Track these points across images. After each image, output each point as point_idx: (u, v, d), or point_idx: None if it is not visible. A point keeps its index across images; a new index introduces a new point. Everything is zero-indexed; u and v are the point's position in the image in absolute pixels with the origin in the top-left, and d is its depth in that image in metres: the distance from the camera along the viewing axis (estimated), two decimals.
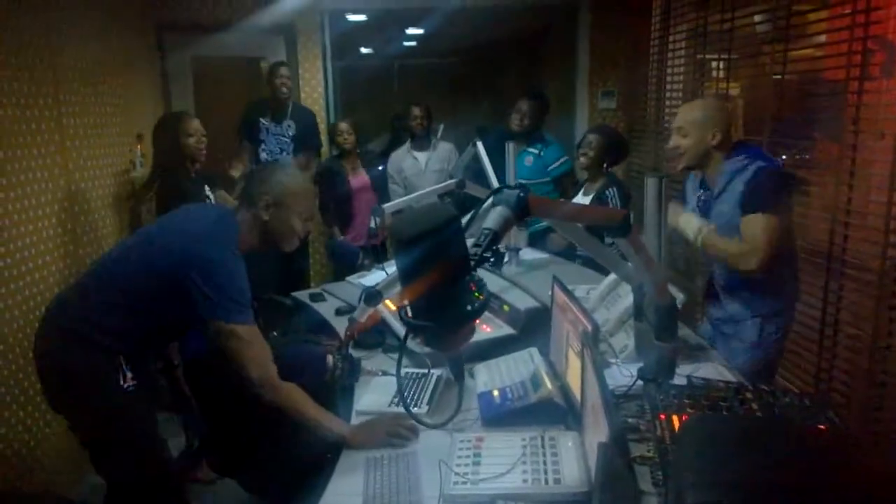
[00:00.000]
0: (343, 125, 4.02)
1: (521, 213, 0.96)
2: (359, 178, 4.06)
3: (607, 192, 2.92)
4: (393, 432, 1.56)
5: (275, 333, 2.49)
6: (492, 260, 0.94)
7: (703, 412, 1.23)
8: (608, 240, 1.74)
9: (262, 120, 4.06)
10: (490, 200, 1.01)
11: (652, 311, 1.34)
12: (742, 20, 3.13)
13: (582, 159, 3.04)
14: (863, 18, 2.33)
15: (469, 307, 0.92)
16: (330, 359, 1.90)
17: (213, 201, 2.90)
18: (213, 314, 1.62)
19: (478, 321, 2.05)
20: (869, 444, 2.03)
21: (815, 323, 2.54)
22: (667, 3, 3.88)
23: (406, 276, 0.93)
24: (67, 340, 1.70)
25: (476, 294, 0.93)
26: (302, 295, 2.81)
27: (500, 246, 0.98)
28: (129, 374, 1.72)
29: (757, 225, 1.90)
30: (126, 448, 1.74)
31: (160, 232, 1.82)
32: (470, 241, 0.94)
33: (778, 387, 2.44)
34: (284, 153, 4.09)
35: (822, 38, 2.78)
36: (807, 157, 2.96)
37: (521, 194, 0.96)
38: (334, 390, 1.87)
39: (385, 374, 1.93)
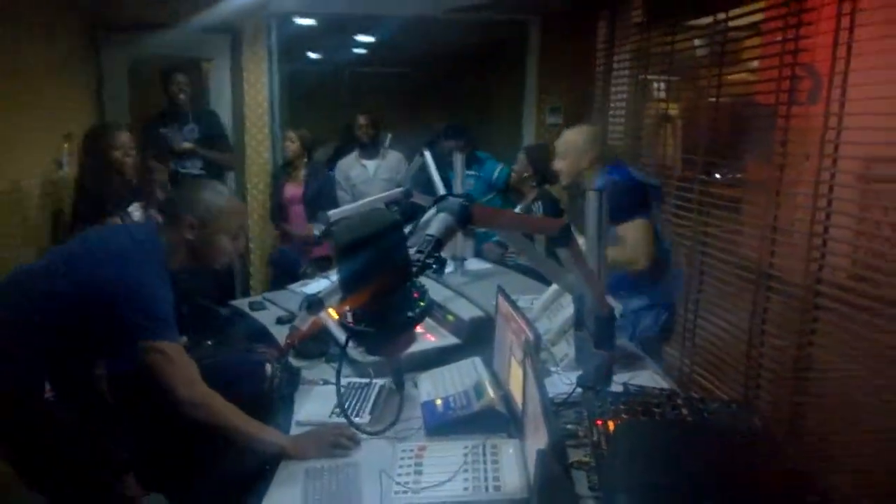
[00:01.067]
0: (290, 133, 3.96)
1: (464, 220, 0.97)
2: (294, 188, 3.99)
3: (533, 207, 3.08)
4: (334, 442, 1.53)
5: (209, 343, 2.41)
6: (434, 267, 0.94)
7: (637, 418, 1.27)
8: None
9: (162, 130, 3.91)
10: (434, 208, 1.02)
11: (591, 320, 1.38)
12: (682, 43, 3.27)
13: (512, 175, 3.24)
14: (792, 46, 2.48)
15: (410, 313, 0.92)
16: (268, 367, 1.86)
17: (134, 219, 2.80)
18: (139, 335, 1.57)
19: (422, 330, 2.09)
20: (791, 448, 2.15)
21: (744, 334, 2.66)
22: (612, 23, 4.01)
23: (347, 282, 0.92)
24: None
25: (418, 301, 0.93)
26: (241, 303, 2.73)
27: (442, 253, 0.99)
28: (52, 391, 1.64)
29: (630, 231, 2.18)
30: (58, 461, 1.65)
31: (78, 254, 1.72)
32: (413, 249, 0.94)
33: (708, 394, 2.57)
34: (190, 158, 3.95)
35: (755, 63, 2.94)
36: (739, 176, 3.11)
37: (465, 202, 0.97)
38: (273, 400, 1.82)
39: (326, 383, 1.90)
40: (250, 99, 4.49)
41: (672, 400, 1.38)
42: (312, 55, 7.51)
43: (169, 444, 1.92)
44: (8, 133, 2.89)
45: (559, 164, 2.37)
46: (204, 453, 1.81)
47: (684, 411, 1.33)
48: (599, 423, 1.26)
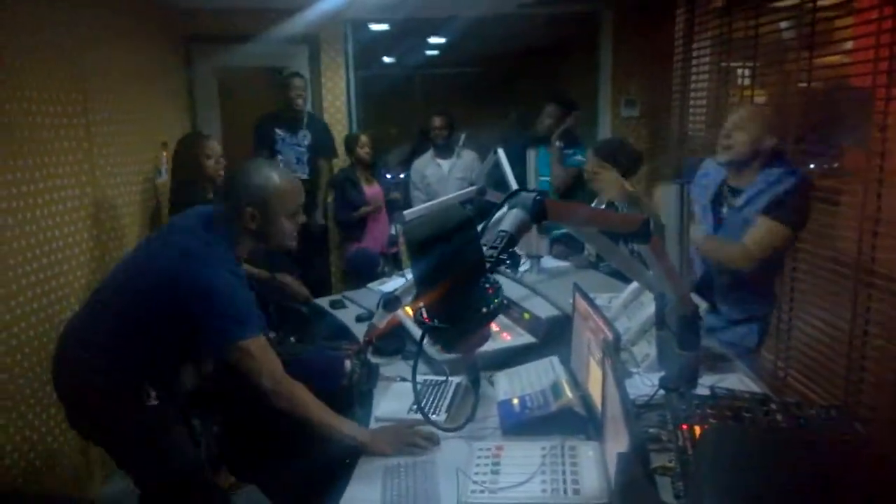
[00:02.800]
0: (364, 137, 4.07)
1: (537, 216, 0.96)
2: (373, 188, 4.11)
3: (617, 203, 2.92)
4: (411, 441, 1.55)
5: (292, 340, 2.51)
6: (508, 262, 0.93)
7: (726, 423, 1.21)
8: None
9: (277, 130, 4.10)
10: (506, 205, 1.01)
11: (674, 319, 1.33)
12: (767, 27, 3.09)
13: (584, 174, 3.09)
14: (890, 24, 2.29)
15: (484, 309, 0.92)
16: (348, 363, 1.90)
17: None
18: (220, 339, 1.62)
19: (498, 329, 2.08)
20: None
21: (843, 335, 2.49)
22: (690, 10, 3.85)
23: (420, 280, 0.93)
24: (84, 370, 1.72)
25: (493, 298, 0.93)
26: (322, 302, 2.83)
27: (516, 249, 0.98)
28: (154, 393, 1.74)
29: (770, 231, 1.95)
30: (154, 459, 1.75)
31: (151, 257, 1.77)
32: (487, 245, 0.94)
33: (804, 399, 2.41)
34: (300, 162, 4.14)
35: (849, 44, 2.74)
36: (834, 165, 2.90)
37: (538, 197, 0.96)
38: (352, 395, 1.87)
39: (403, 380, 1.93)
40: (329, 104, 4.65)
41: (764, 405, 1.30)
42: (387, 59, 7.66)
43: (261, 436, 2.01)
44: (108, 141, 3.10)
45: (737, 136, 2.04)
46: (292, 445, 1.89)
47: (778, 417, 1.25)
48: (685, 427, 1.21)
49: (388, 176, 4.31)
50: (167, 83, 4.09)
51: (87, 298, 1.93)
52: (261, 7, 4.26)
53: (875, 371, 2.39)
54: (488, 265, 0.91)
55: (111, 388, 1.71)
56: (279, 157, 4.10)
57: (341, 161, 4.43)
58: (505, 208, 1.00)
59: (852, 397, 2.44)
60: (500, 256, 0.91)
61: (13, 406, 2.31)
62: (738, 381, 1.62)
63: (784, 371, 2.86)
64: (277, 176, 1.71)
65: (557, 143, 3.62)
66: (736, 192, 2.10)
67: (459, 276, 0.88)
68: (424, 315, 0.93)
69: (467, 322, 0.92)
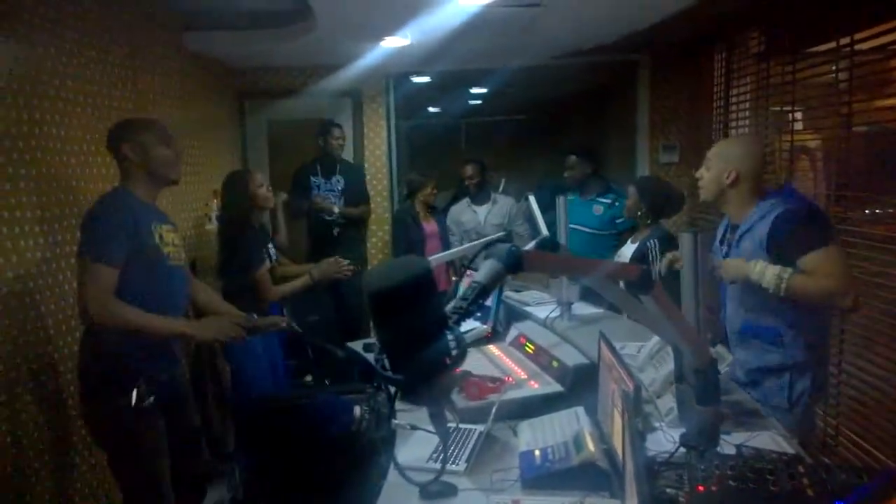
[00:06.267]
0: (430, 183, 4.25)
1: (512, 266, 0.94)
2: (431, 225, 4.25)
3: (648, 244, 2.90)
4: (228, 331, 1.95)
5: (327, 382, 2.54)
6: (478, 314, 0.93)
7: (746, 486, 1.15)
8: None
9: (312, 178, 4.30)
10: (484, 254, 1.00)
11: (691, 373, 1.29)
12: (811, 70, 3.04)
13: (624, 211, 3.17)
14: None
15: (440, 361, 0.90)
16: (357, 410, 1.92)
17: (273, 256, 3.04)
18: (78, 253, 1.93)
19: (526, 376, 2.05)
20: None
21: None
22: (729, 54, 3.84)
23: (377, 329, 0.93)
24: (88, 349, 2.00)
25: (453, 349, 0.91)
26: (356, 345, 2.86)
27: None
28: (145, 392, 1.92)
29: (826, 259, 1.84)
30: (128, 460, 1.96)
31: None
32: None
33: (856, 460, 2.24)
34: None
35: None
36: (890, 211, 2.78)
37: (513, 248, 0.95)
38: (359, 441, 1.87)
39: (414, 428, 1.90)
40: (369, 153, 4.82)
41: (792, 467, 1.23)
42: (431, 109, 7.89)
43: (287, 478, 2.03)
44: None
45: (703, 174, 2.07)
46: (319, 488, 1.90)
47: (805, 481, 1.18)
48: (701, 488, 1.16)
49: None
50: (222, 135, 4.34)
51: None
52: (308, 64, 4.54)
53: None
54: (456, 316, 0.90)
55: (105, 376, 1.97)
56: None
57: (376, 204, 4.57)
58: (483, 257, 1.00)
59: None
60: (470, 307, 0.91)
61: None
62: (771, 439, 1.54)
63: (835, 429, 2.69)
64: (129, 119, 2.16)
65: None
66: (734, 228, 2.07)
67: (413, 328, 0.88)
68: (385, 364, 0.92)
69: (422, 373, 0.90)
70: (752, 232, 1.97)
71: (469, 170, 4.17)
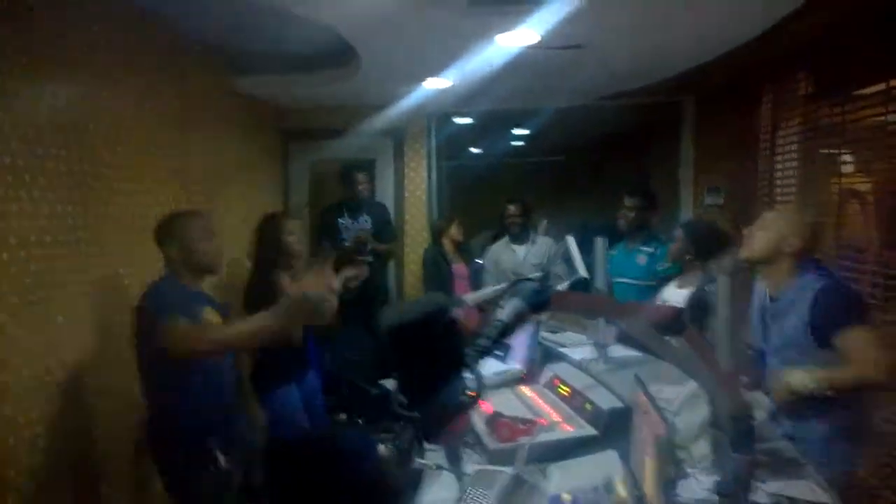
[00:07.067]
0: (454, 227, 4.28)
1: (537, 306, 0.93)
2: (460, 266, 4.27)
3: (706, 288, 2.75)
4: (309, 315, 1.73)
5: (359, 420, 2.52)
6: (500, 354, 0.92)
7: None
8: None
9: (339, 220, 4.33)
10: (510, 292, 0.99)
11: (727, 419, 1.24)
12: (861, 112, 2.96)
13: (668, 254, 3.05)
14: None
15: (456, 399, 0.88)
16: (382, 448, 1.88)
17: None
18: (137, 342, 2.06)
19: (560, 419, 2.00)
20: None
21: None
22: (776, 96, 3.78)
23: (394, 365, 0.92)
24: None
25: (469, 388, 0.89)
26: (388, 383, 2.85)
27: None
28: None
29: (859, 341, 1.79)
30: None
31: None
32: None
33: None
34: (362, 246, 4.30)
35: None
36: None
37: (539, 288, 0.94)
38: (379, 481, 1.84)
39: (439, 468, 1.85)
40: (409, 193, 4.88)
41: None
42: (474, 150, 7.99)
43: None
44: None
45: (758, 232, 1.99)
46: None
47: None
48: None
49: (479, 261, 4.42)
50: (264, 174, 4.47)
51: None
52: (351, 105, 4.64)
53: None
54: (477, 354, 0.89)
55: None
56: (345, 244, 4.26)
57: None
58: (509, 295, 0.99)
59: None
60: (491, 346, 0.90)
61: None
62: (808, 488, 1.45)
63: (880, 480, 2.50)
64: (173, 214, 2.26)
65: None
66: (773, 299, 2.00)
67: (428, 365, 0.87)
68: (401, 402, 0.90)
69: (436, 413, 0.89)
70: (797, 304, 1.91)
71: (513, 209, 4.16)
